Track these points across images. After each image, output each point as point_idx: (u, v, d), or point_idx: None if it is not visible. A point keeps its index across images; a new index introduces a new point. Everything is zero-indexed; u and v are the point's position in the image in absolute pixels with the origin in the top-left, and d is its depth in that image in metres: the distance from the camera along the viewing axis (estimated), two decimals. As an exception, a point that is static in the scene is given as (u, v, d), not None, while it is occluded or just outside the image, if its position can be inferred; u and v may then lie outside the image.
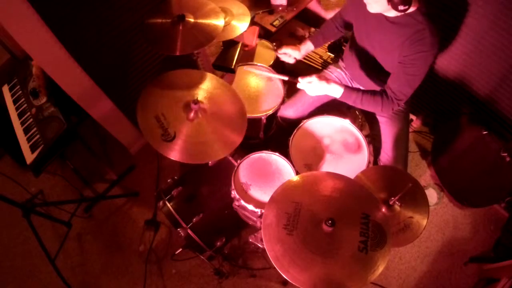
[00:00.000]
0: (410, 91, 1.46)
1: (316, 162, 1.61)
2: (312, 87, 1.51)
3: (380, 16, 1.39)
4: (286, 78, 1.67)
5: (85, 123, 2.09)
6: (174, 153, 1.33)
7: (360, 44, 1.60)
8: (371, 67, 1.61)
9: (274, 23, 2.29)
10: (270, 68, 1.92)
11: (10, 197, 1.60)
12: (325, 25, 1.81)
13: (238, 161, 1.61)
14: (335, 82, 1.52)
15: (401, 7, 1.24)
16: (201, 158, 1.39)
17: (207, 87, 1.51)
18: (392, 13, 1.33)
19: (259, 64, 1.94)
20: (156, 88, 1.48)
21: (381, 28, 1.42)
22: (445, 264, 2.00)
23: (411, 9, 1.29)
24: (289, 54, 1.81)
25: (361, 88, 1.77)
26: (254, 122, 1.81)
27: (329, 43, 2.36)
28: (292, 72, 1.80)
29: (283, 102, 1.85)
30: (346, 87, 1.51)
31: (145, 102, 1.43)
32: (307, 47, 1.81)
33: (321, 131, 1.70)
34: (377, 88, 1.61)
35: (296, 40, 2.39)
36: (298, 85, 1.56)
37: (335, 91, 1.50)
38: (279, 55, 1.85)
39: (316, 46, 1.83)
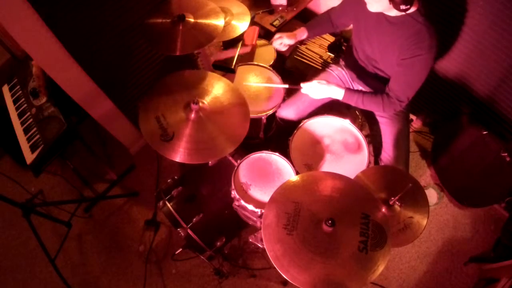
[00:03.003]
0: (411, 92, 1.48)
1: (316, 162, 1.61)
2: (315, 91, 1.59)
3: (380, 16, 1.39)
4: (286, 86, 1.74)
5: (85, 123, 2.09)
6: (176, 154, 1.33)
7: (360, 44, 1.60)
8: (371, 67, 1.62)
9: (274, 23, 2.29)
10: (268, 67, 1.93)
11: (10, 197, 1.60)
12: (321, 16, 1.77)
13: (238, 161, 1.61)
14: (336, 84, 1.57)
15: (402, 6, 1.24)
16: (204, 157, 1.39)
17: (207, 86, 1.52)
18: (392, 13, 1.33)
19: (260, 64, 1.94)
20: (157, 91, 1.49)
21: (380, 28, 1.42)
22: (445, 264, 2.00)
23: (411, 10, 1.29)
24: (284, 43, 1.78)
25: (361, 88, 1.77)
26: (254, 122, 1.81)
27: (329, 43, 2.36)
28: (292, 73, 1.81)
29: (283, 102, 1.85)
30: (347, 88, 1.56)
31: (147, 104, 1.44)
32: (302, 34, 1.77)
33: (321, 131, 1.70)
34: (377, 88, 1.61)
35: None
36: (302, 90, 1.64)
37: (337, 93, 1.56)
38: (274, 43, 1.80)
39: (309, 35, 1.79)
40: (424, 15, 1.30)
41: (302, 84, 1.63)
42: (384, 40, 1.43)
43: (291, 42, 1.77)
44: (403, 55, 1.36)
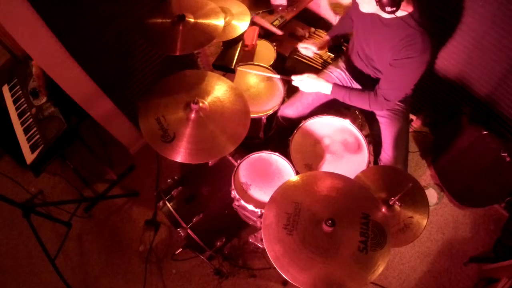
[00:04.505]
0: (399, 93, 1.52)
1: (316, 162, 1.61)
2: (304, 84, 1.67)
3: (375, 17, 1.40)
4: (278, 76, 1.82)
5: (85, 123, 2.09)
6: (177, 155, 1.33)
7: (359, 44, 1.61)
8: (370, 67, 1.62)
9: (274, 23, 2.29)
10: (268, 67, 1.93)
11: (10, 197, 1.60)
12: (341, 19, 1.88)
13: (238, 161, 1.61)
14: (325, 80, 1.66)
15: (388, 9, 1.24)
16: (205, 157, 1.39)
17: (207, 86, 1.52)
18: (385, 15, 1.34)
19: (257, 63, 1.95)
20: (157, 92, 1.49)
21: (375, 29, 1.44)
22: (445, 264, 2.00)
23: (403, 13, 1.30)
24: (309, 48, 1.87)
25: (361, 88, 1.78)
26: (254, 122, 1.81)
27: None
28: (290, 72, 1.81)
29: (283, 102, 1.86)
30: (335, 84, 1.63)
31: (147, 106, 1.44)
32: (326, 40, 1.89)
33: (321, 131, 1.70)
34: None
35: (296, 40, 2.39)
36: (293, 83, 1.71)
37: (325, 88, 1.64)
38: (300, 48, 1.90)
39: (330, 36, 1.90)
40: (417, 21, 1.31)
41: (293, 77, 1.69)
42: (379, 40, 1.45)
43: (315, 49, 1.87)
44: (396, 56, 1.38)
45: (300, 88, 1.69)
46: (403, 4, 1.27)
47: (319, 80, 1.65)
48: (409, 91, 1.64)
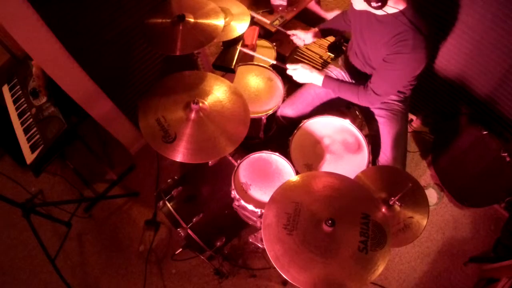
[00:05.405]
0: (389, 89, 1.53)
1: (316, 162, 1.61)
2: (298, 74, 1.70)
3: (370, 15, 1.41)
4: (274, 62, 1.84)
5: (85, 123, 2.09)
6: (178, 154, 1.33)
7: (356, 42, 1.63)
8: (368, 66, 1.63)
9: (274, 23, 2.29)
10: (267, 67, 1.93)
11: (10, 197, 1.60)
12: (335, 16, 1.87)
13: (238, 161, 1.61)
14: (317, 71, 1.68)
15: (373, 4, 1.26)
16: (205, 157, 1.39)
17: (206, 86, 1.52)
18: (377, 11, 1.35)
19: (260, 64, 1.95)
20: (156, 92, 1.49)
21: (370, 26, 1.45)
22: (445, 264, 2.00)
23: (394, 10, 1.31)
24: (299, 37, 1.88)
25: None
26: (254, 122, 1.82)
27: (329, 43, 2.36)
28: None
29: (283, 102, 1.86)
30: (327, 76, 1.65)
31: (146, 106, 1.45)
32: (316, 32, 1.89)
33: (321, 131, 1.70)
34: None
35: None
36: (287, 71, 1.74)
37: (317, 79, 1.67)
38: (290, 36, 1.91)
39: (323, 34, 1.90)
40: (410, 19, 1.31)
41: (288, 65, 1.72)
42: (374, 38, 1.46)
43: (306, 38, 1.87)
44: (388, 51, 1.39)
45: (294, 77, 1.72)
46: (393, 0, 1.27)
47: (312, 71, 1.68)
48: (402, 88, 1.65)
